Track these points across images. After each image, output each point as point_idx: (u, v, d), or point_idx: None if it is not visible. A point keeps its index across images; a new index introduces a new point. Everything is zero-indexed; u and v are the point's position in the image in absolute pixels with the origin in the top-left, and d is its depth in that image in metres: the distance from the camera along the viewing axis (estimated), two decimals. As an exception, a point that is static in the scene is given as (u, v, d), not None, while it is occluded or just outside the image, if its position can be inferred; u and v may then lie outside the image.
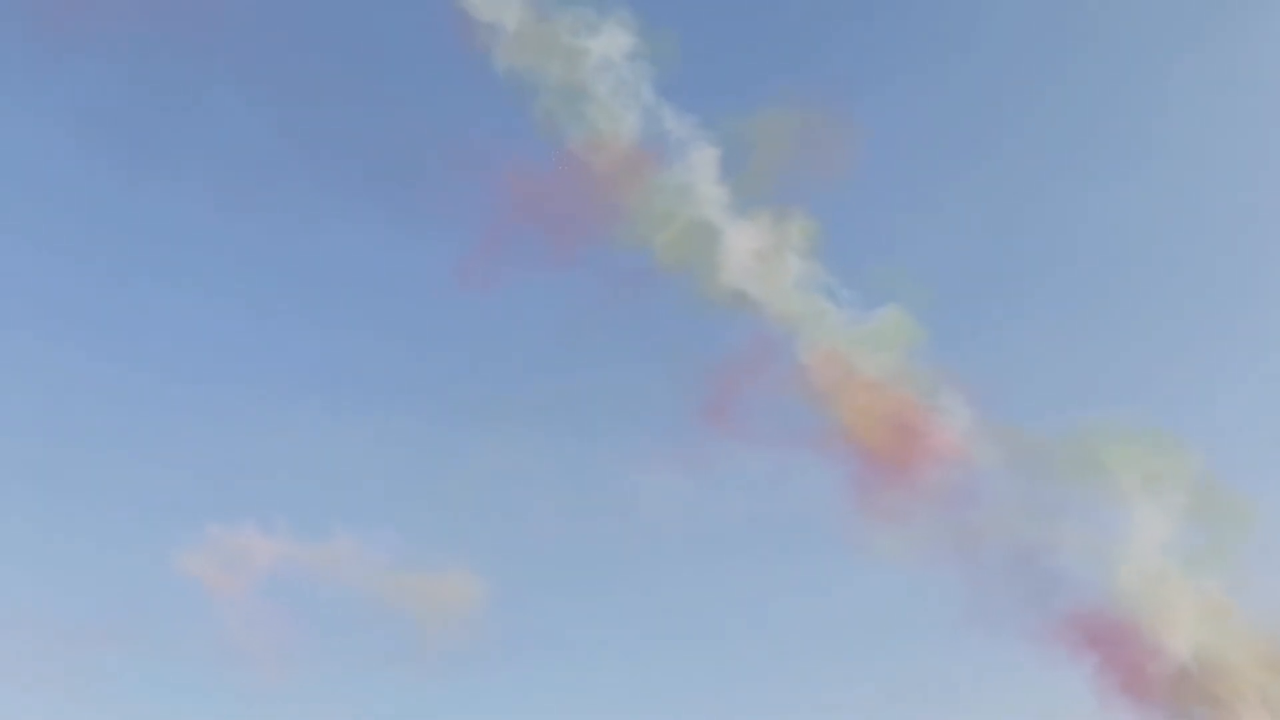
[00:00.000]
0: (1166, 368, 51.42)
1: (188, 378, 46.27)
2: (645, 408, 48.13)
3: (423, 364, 48.40)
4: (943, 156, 52.53)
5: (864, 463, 43.74)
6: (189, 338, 46.16)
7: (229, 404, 46.50)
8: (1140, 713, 35.53)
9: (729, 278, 41.32)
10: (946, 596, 42.08)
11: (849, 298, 42.86)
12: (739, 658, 48.87)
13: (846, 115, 42.43)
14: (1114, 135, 53.00)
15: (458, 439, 46.77)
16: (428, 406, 47.66)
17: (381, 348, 48.40)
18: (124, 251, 46.04)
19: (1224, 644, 35.02)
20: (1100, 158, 53.36)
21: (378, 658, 45.71)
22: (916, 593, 44.88)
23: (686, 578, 49.39)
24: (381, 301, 48.67)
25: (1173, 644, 35.15)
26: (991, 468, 41.07)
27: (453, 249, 45.48)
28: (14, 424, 43.78)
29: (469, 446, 46.51)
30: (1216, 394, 50.44)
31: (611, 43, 39.36)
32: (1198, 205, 52.96)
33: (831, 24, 50.00)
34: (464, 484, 45.56)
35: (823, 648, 48.20)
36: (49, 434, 44.30)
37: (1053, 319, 51.66)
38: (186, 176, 44.49)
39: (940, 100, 52.27)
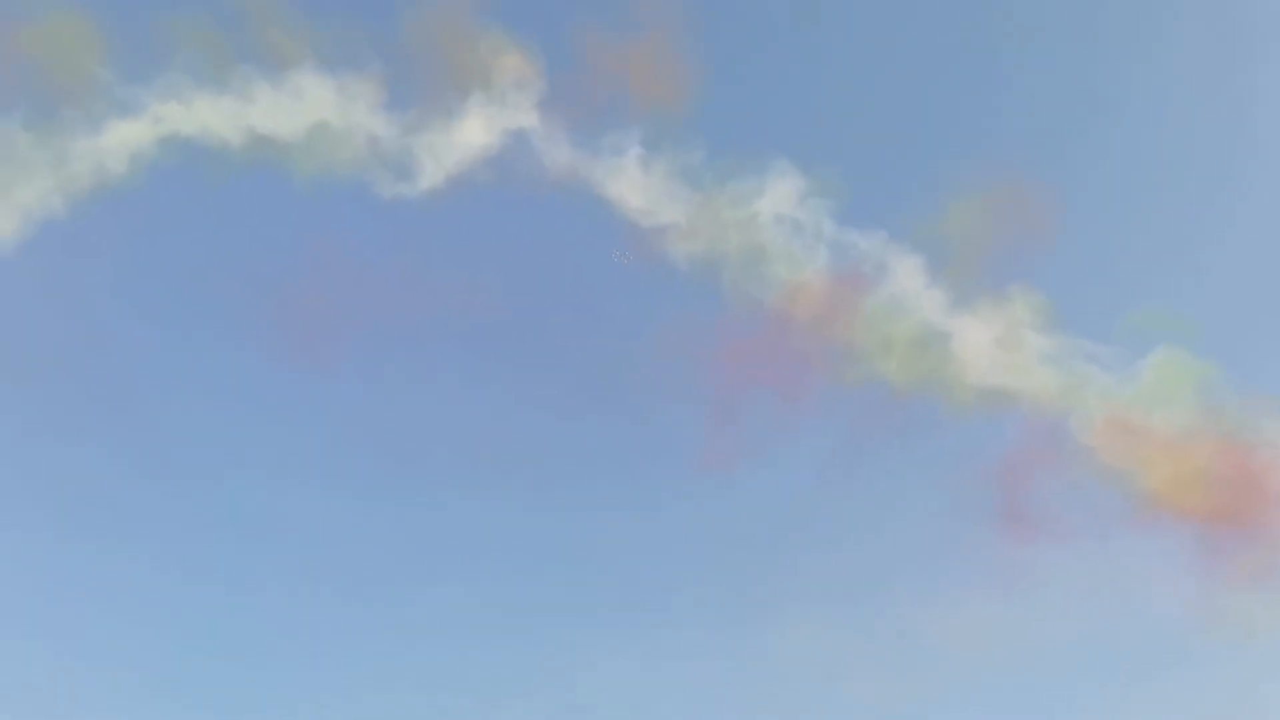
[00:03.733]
0: None
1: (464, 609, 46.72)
2: (936, 541, 44.77)
3: (692, 564, 47.34)
4: (1143, 186, 48.68)
5: (1198, 529, 38.47)
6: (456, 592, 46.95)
7: (523, 648, 46.64)
8: None
9: (974, 377, 39.11)
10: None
11: (1109, 357, 39.41)
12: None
13: (1034, 179, 40.63)
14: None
15: (756, 631, 44.75)
16: (715, 607, 46.08)
17: (660, 563, 47.73)
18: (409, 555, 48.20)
19: None
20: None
21: None
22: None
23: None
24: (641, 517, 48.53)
25: None
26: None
27: (687, 440, 45.49)
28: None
29: (768, 638, 44.30)
30: None
31: (779, 195, 40.01)
32: None
33: (989, 98, 48.68)
34: (772, 677, 43.06)
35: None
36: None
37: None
38: (446, 466, 47.08)
39: (1134, 128, 48.93)
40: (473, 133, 39.87)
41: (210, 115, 38.38)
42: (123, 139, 38.18)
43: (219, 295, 45.69)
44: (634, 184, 40.70)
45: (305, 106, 38.96)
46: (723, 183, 40.54)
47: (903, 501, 46.42)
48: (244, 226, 46.19)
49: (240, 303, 44.66)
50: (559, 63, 40.66)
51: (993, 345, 39.37)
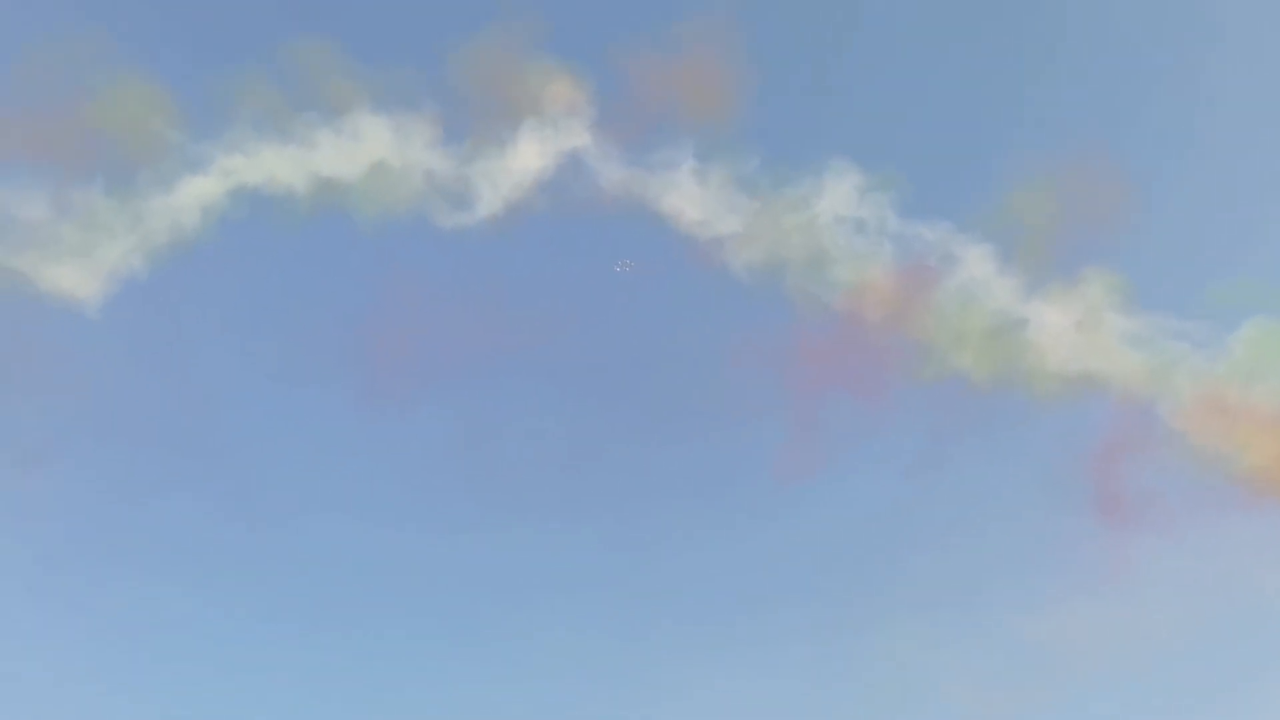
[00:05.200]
0: None
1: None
2: (1033, 539, 43.20)
3: (786, 578, 46.33)
4: (1216, 155, 46.72)
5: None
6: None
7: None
8: None
9: (1055, 364, 37.93)
10: None
11: (1197, 333, 37.87)
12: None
13: (1103, 158, 39.40)
14: None
15: (854, 643, 43.51)
16: (812, 620, 44.89)
17: (754, 578, 46.81)
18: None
19: None
20: None
21: None
22: None
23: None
24: (732, 524, 47.72)
25: None
26: None
27: (767, 452, 44.87)
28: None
29: (867, 649, 43.09)
30: None
31: (838, 194, 39.54)
32: None
33: (1050, 79, 47.24)
34: (873, 688, 41.74)
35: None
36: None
37: None
38: (531, 498, 47.02)
39: (1203, 98, 46.99)
40: (527, 158, 40.37)
41: (275, 164, 39.58)
42: (195, 195, 39.55)
43: (296, 340, 46.70)
44: (690, 197, 40.65)
45: (364, 148, 39.90)
46: (779, 188, 40.26)
47: (994, 499, 44.99)
48: (315, 270, 47.27)
49: (317, 346, 45.58)
50: (608, 83, 40.99)
51: (1072, 330, 38.17)
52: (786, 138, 43.42)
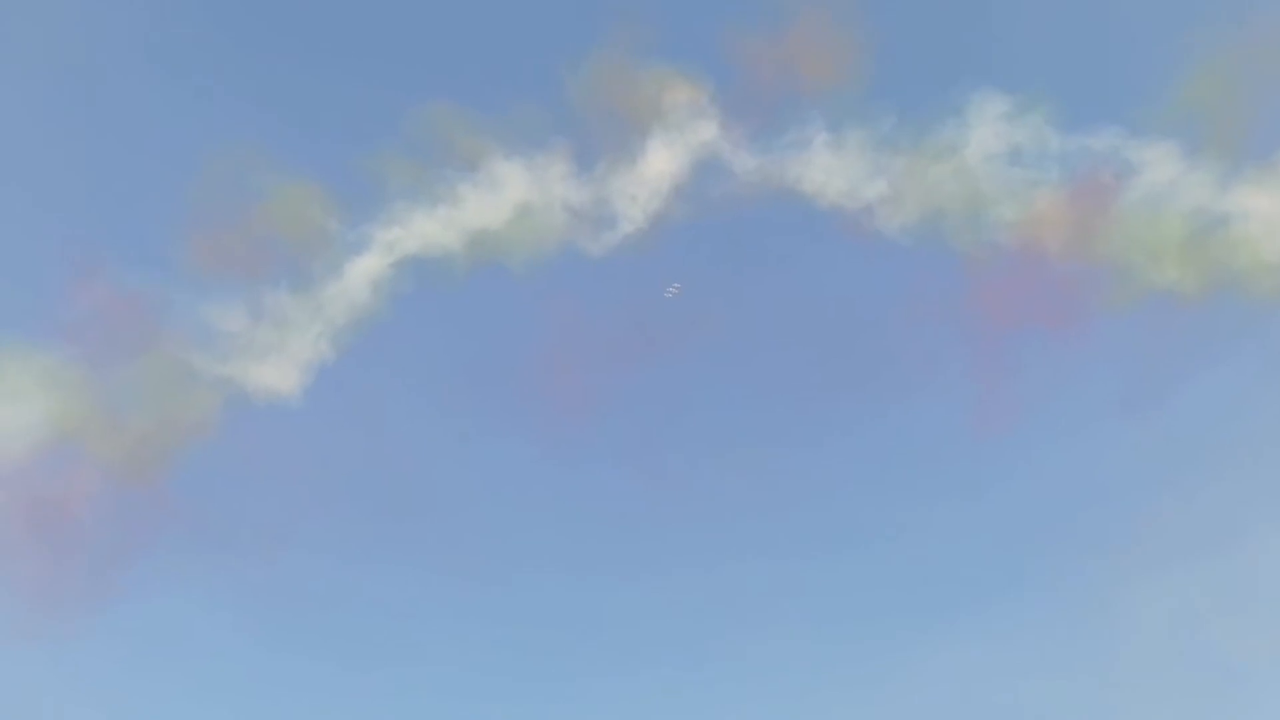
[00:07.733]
0: None
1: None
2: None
3: (1021, 538, 43.24)
4: None
5: None
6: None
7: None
8: None
9: (1273, 256, 33.92)
10: None
11: None
12: None
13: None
14: None
15: (1095, 606, 40.15)
16: (1057, 582, 41.63)
17: (986, 544, 44.02)
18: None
19: None
20: None
21: None
22: None
23: None
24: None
25: None
26: None
27: (964, 413, 42.44)
28: None
29: (1110, 612, 39.59)
30: None
31: (985, 127, 37.18)
32: None
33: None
34: (1129, 647, 38.23)
35: None
36: None
37: None
38: (736, 516, 46.16)
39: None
40: (660, 166, 40.40)
41: (428, 228, 41.43)
42: (362, 274, 41.93)
43: (476, 395, 47.96)
44: (829, 169, 39.38)
45: (505, 195, 41.16)
46: (921, 138, 38.28)
47: (1233, 421, 40.11)
48: (482, 322, 48.42)
49: (497, 397, 46.64)
50: (725, 75, 40.37)
51: (1283, 215, 34.17)
52: (918, 82, 41.02)
